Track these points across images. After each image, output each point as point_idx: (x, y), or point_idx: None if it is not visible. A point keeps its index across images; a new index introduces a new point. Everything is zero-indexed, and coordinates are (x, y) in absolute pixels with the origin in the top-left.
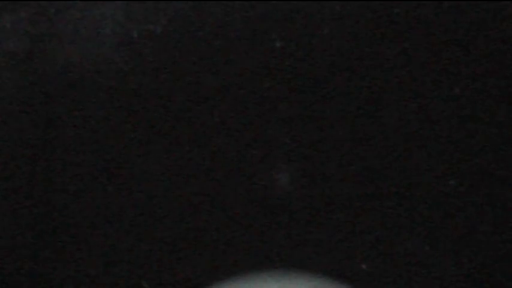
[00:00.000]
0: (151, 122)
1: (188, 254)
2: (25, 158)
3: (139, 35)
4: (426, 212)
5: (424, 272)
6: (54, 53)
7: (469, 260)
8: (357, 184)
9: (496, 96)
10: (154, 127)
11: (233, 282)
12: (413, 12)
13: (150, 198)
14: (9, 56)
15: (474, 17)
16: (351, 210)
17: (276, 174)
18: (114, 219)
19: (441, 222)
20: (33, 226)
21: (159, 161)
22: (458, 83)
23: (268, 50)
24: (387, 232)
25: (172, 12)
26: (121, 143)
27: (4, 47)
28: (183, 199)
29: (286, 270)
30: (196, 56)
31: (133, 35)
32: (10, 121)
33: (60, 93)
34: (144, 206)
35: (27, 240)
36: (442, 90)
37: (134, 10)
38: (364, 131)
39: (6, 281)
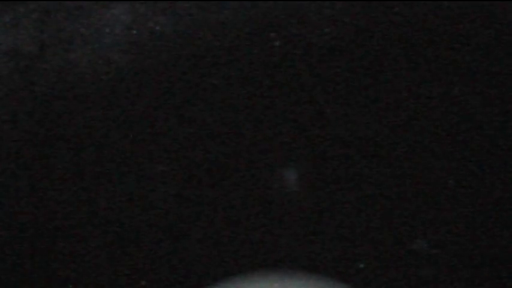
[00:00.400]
0: (154, 122)
1: (189, 254)
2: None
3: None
4: (428, 212)
5: (425, 272)
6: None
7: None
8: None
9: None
10: (157, 127)
11: (234, 281)
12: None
13: (150, 198)
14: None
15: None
16: (352, 210)
17: (276, 174)
18: (114, 219)
19: (441, 222)
20: (33, 226)
21: (162, 160)
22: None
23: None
24: (388, 232)
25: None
26: (123, 142)
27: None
28: (185, 198)
29: (287, 269)
30: (199, 55)
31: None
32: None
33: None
34: (144, 206)
35: (27, 240)
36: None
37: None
38: (367, 131)
39: (6, 281)
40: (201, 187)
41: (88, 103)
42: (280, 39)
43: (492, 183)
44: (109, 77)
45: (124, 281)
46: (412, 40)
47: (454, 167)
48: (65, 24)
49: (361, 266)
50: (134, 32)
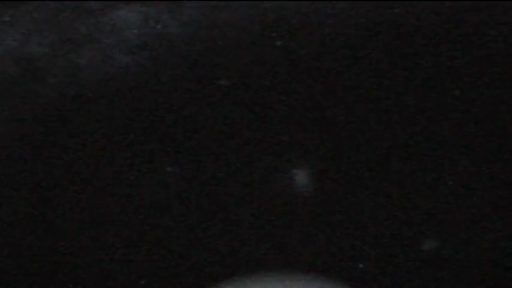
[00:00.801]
0: (158, 123)
1: (189, 254)
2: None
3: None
4: (430, 212)
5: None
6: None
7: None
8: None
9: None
10: (162, 128)
11: (236, 282)
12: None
13: (151, 198)
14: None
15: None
16: (353, 211)
17: (276, 175)
18: (115, 219)
19: (442, 222)
20: (33, 226)
21: (166, 161)
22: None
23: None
24: (389, 232)
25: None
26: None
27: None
28: (188, 200)
29: (289, 270)
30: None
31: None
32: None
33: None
34: (146, 206)
35: (27, 240)
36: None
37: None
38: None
39: (7, 280)
40: (203, 187)
41: (96, 104)
42: (281, 40)
43: (504, 182)
44: (116, 78)
45: (124, 281)
46: (412, 40)
47: (464, 167)
48: (74, 25)
49: (361, 266)
50: (141, 33)
